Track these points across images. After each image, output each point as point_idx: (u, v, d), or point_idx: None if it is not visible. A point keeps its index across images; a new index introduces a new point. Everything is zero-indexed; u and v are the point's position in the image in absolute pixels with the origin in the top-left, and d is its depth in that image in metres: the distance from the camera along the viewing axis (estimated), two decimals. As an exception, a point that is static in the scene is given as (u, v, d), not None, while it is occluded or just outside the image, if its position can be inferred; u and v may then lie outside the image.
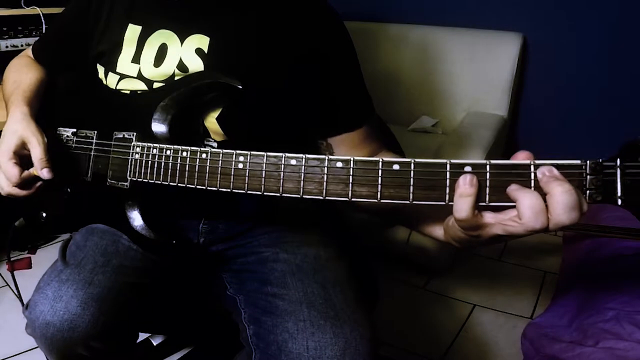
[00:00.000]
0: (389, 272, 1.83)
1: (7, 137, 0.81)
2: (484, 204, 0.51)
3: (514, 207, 0.50)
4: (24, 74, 0.96)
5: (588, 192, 0.49)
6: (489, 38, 2.09)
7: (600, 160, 0.48)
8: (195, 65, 0.80)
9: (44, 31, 1.85)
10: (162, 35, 0.83)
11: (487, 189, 0.51)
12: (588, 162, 0.49)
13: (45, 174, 0.78)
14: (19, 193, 0.80)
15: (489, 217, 0.52)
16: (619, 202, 0.47)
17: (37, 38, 1.66)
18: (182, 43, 0.82)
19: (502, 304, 1.67)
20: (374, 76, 2.29)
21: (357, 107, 0.86)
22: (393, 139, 1.51)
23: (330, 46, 0.82)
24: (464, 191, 0.50)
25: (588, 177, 0.49)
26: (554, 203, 0.47)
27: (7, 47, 1.80)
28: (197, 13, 0.82)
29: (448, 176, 0.52)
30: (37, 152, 0.79)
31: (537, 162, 0.50)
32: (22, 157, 0.81)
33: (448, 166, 0.52)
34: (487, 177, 0.51)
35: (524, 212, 0.49)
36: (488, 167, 0.51)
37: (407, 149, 1.48)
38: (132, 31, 0.85)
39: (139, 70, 0.84)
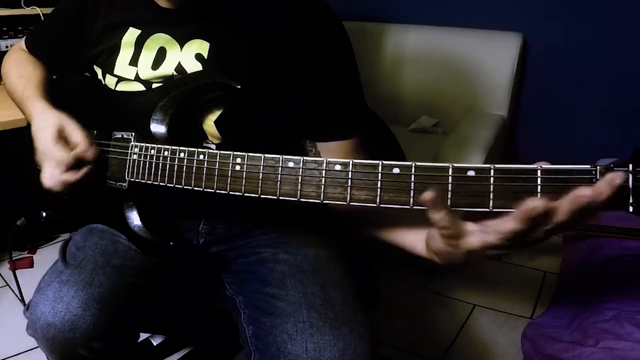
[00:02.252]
0: (389, 272, 1.82)
1: (43, 130, 0.82)
2: (487, 209, 0.49)
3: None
4: (29, 70, 0.97)
5: None
6: (489, 38, 2.09)
7: (612, 165, 0.46)
8: (194, 69, 0.80)
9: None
10: (160, 39, 0.83)
11: (491, 194, 0.49)
12: (598, 167, 0.46)
13: (90, 153, 0.80)
14: (72, 177, 0.80)
15: (469, 225, 0.51)
16: (631, 208, 0.45)
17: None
18: (181, 48, 0.81)
19: (502, 304, 1.67)
20: (374, 76, 2.29)
21: (349, 117, 0.84)
22: (394, 139, 1.50)
23: (329, 53, 0.81)
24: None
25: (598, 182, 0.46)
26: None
27: (7, 47, 1.80)
28: (197, 18, 0.81)
29: (450, 180, 0.50)
30: (77, 134, 0.81)
31: (545, 167, 0.47)
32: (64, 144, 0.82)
33: (450, 170, 0.50)
34: (492, 182, 0.49)
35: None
36: (492, 171, 0.49)
37: (407, 149, 1.48)
38: (130, 34, 0.85)
39: (137, 73, 0.84)
